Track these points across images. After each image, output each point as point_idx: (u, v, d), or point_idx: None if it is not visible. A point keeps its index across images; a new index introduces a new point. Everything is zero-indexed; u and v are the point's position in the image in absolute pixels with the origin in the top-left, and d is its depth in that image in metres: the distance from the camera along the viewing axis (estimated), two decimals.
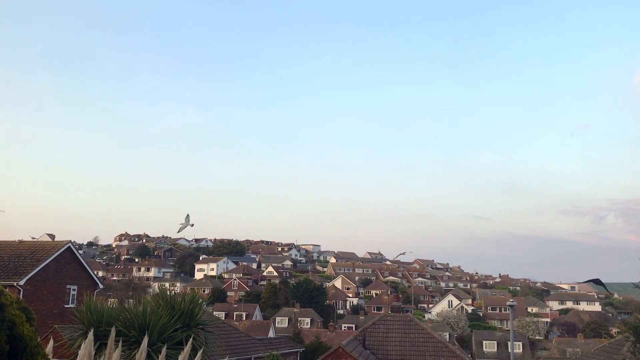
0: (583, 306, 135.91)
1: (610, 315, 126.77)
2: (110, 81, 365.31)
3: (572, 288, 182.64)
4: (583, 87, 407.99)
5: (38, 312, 26.70)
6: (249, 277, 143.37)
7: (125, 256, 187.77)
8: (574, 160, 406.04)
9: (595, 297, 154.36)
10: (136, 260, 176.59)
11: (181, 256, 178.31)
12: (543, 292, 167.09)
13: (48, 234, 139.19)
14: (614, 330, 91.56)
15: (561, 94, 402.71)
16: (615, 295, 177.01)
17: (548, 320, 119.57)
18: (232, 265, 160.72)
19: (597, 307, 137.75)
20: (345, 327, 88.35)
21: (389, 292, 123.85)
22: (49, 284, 33.35)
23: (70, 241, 36.29)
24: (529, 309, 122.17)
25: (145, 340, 7.76)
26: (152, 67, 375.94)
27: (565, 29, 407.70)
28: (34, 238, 37.96)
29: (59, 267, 34.27)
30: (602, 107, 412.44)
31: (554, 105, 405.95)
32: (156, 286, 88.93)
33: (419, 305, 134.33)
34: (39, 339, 7.16)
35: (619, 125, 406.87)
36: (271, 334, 68.06)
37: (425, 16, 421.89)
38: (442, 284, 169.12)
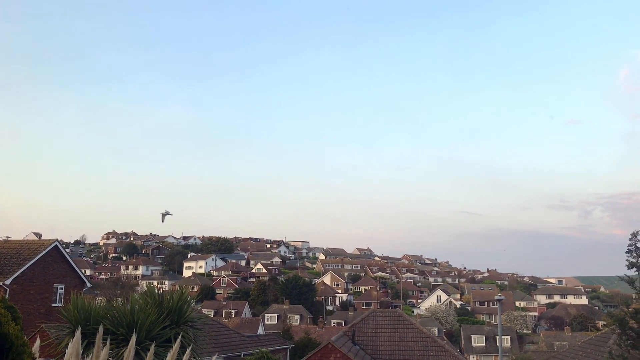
0: (570, 300, 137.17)
1: (597, 308, 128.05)
2: (97, 79, 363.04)
3: (560, 282, 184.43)
4: (571, 83, 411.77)
5: (25, 311, 26.49)
6: (237, 274, 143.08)
7: (113, 254, 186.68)
8: (562, 156, 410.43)
9: (582, 290, 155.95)
10: (124, 258, 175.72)
11: (169, 254, 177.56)
12: (531, 286, 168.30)
13: (34, 233, 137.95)
14: (601, 323, 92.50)
15: (549, 90, 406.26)
16: (602, 289, 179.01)
17: (536, 314, 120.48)
18: (220, 263, 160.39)
19: (584, 300, 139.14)
20: (334, 323, 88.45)
21: (377, 288, 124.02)
22: (36, 283, 33.04)
23: (57, 240, 35.93)
24: (517, 303, 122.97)
25: (134, 338, 7.71)
26: (140, 65, 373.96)
27: (554, 24, 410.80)
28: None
29: (46, 266, 33.97)
30: (590, 103, 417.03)
31: (543, 101, 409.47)
32: (144, 284, 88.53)
33: (408, 300, 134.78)
34: (25, 338, 7.09)
35: (606, 120, 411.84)
36: (260, 331, 67.97)
37: (413, 10, 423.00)
38: (431, 279, 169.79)
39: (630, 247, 26.94)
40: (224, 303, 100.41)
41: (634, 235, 27.01)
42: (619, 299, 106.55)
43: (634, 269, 26.77)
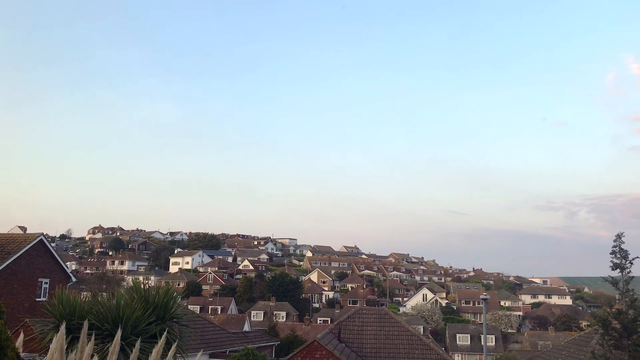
0: (554, 300, 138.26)
1: (581, 308, 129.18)
2: (85, 74, 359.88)
3: (544, 282, 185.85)
4: (559, 85, 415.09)
5: (8, 305, 26.23)
6: (224, 270, 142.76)
7: (99, 249, 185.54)
8: (549, 157, 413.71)
9: (567, 291, 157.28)
10: (110, 253, 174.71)
11: (156, 249, 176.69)
12: (516, 286, 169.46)
13: (19, 227, 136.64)
14: (584, 323, 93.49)
15: (537, 92, 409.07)
16: (586, 289, 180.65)
17: (520, 313, 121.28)
18: (207, 259, 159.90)
19: (568, 300, 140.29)
20: (320, 320, 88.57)
21: (364, 286, 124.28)
22: (20, 277, 32.73)
23: (42, 234, 35.56)
24: (502, 303, 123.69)
25: (119, 333, 7.69)
26: (127, 60, 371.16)
27: (541, 27, 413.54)
28: None
29: (31, 260, 33.65)
30: (577, 105, 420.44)
31: (530, 102, 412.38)
32: (130, 279, 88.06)
33: (394, 298, 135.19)
34: (9, 333, 7.03)
35: (592, 122, 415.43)
36: (246, 327, 67.89)
37: (400, 8, 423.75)
38: (417, 278, 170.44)
39: (614, 249, 27.26)
40: (210, 299, 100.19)
41: (618, 236, 27.33)
42: (602, 300, 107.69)
43: (618, 270, 27.08)
